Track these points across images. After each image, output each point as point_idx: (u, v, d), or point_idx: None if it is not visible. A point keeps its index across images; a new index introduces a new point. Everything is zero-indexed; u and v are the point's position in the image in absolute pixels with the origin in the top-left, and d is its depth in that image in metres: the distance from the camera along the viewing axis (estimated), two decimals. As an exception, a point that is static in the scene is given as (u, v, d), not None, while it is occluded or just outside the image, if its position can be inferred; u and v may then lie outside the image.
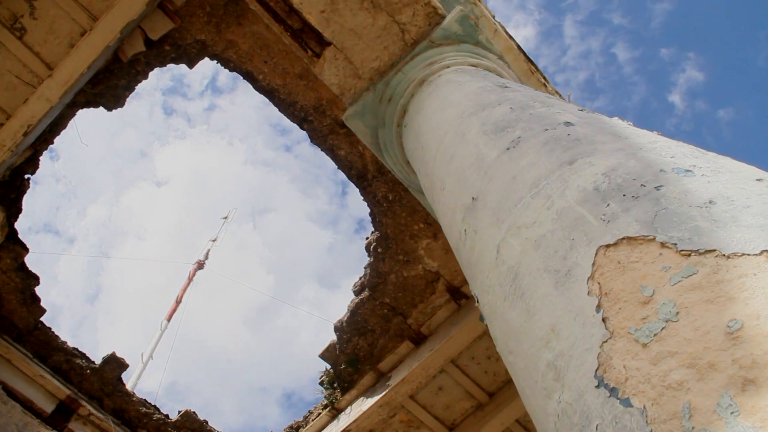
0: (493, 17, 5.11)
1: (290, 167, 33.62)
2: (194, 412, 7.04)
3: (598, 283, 1.55)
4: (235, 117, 32.58)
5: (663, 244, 1.48)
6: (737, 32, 25.10)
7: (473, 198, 2.50)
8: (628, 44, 27.83)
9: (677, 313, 1.33)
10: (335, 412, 6.73)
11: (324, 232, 33.94)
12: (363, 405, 6.46)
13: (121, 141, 31.97)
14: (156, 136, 32.21)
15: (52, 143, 5.73)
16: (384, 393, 6.35)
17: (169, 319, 14.37)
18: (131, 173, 32.61)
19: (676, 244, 1.45)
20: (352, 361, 6.58)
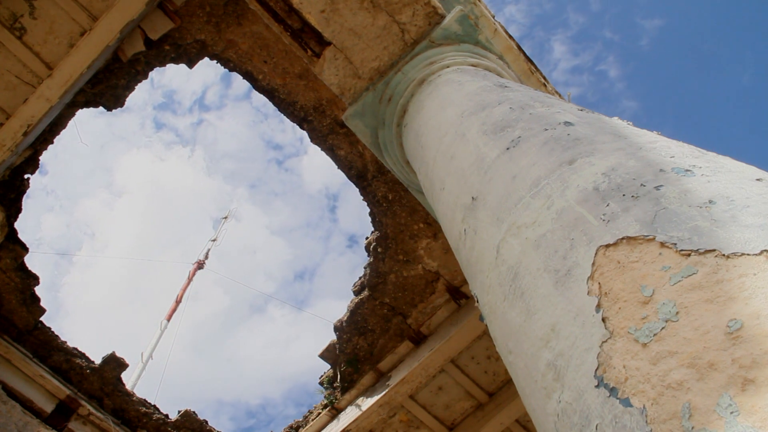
0: (493, 17, 5.11)
1: (283, 181, 33.62)
2: (194, 412, 7.04)
3: (598, 283, 1.55)
4: (224, 132, 32.73)
5: (663, 244, 1.48)
6: (724, 50, 25.16)
7: (473, 198, 2.50)
8: (619, 60, 27.90)
9: (677, 312, 1.33)
10: (335, 411, 6.73)
11: (289, 249, 33.70)
12: (363, 405, 6.46)
13: (113, 154, 32.02)
14: (148, 150, 32.26)
15: (52, 143, 5.73)
16: (384, 393, 6.35)
17: (168, 319, 14.36)
18: (117, 185, 32.53)
19: (675, 243, 1.45)
20: (352, 360, 6.58)
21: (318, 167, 33.42)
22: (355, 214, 33.05)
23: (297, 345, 30.60)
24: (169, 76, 30.77)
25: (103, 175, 32.34)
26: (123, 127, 31.44)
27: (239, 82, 31.31)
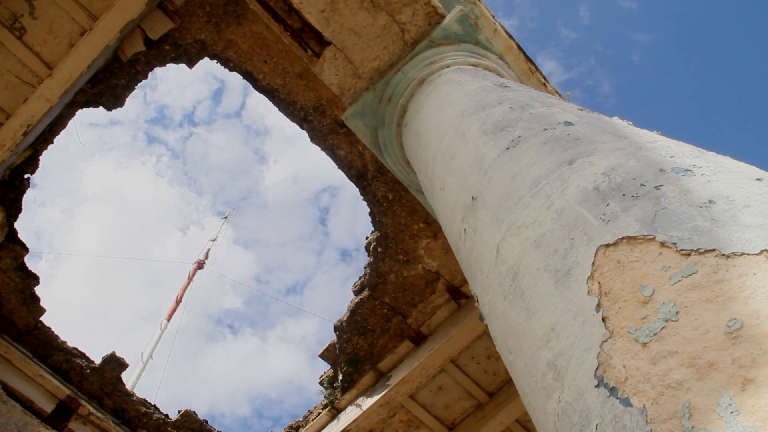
0: (493, 17, 5.11)
1: (274, 194, 33.56)
2: (194, 412, 7.04)
3: (598, 283, 1.55)
4: (216, 146, 32.79)
5: (663, 244, 1.47)
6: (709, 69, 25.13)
7: (473, 198, 2.50)
8: (611, 74, 27.85)
9: (677, 312, 1.33)
10: (335, 411, 6.73)
11: (258, 263, 33.33)
12: (363, 405, 6.46)
13: (101, 165, 31.93)
14: (137, 164, 32.14)
15: (52, 143, 5.73)
16: (384, 393, 6.35)
17: (168, 319, 14.36)
18: (83, 193, 32.24)
19: (675, 243, 1.45)
20: (352, 360, 6.58)
21: (282, 180, 33.37)
22: (347, 226, 33.02)
23: (266, 363, 30.35)
24: (162, 92, 31.06)
25: (86, 185, 32.17)
26: (114, 139, 31.46)
27: (229, 102, 31.61)
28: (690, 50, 26.02)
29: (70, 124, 5.72)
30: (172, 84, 32.37)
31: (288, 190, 33.71)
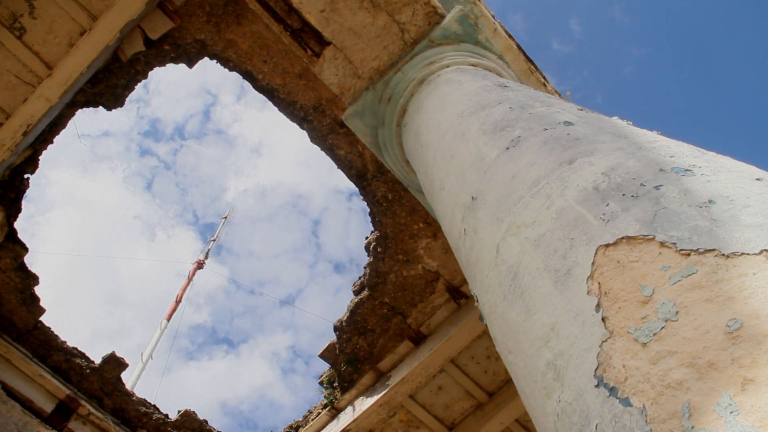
0: (493, 17, 5.12)
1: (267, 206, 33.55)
2: (194, 412, 7.04)
3: (598, 283, 1.55)
4: (209, 159, 32.89)
5: (662, 244, 1.47)
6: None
7: (473, 197, 2.50)
8: (604, 86, 27.85)
9: (677, 312, 1.33)
10: (335, 411, 6.73)
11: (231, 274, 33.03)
12: (363, 404, 6.46)
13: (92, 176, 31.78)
14: (135, 175, 32.04)
15: (52, 143, 5.73)
16: (384, 392, 6.35)
17: (168, 319, 14.35)
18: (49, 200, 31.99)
19: (675, 243, 1.45)
20: (352, 360, 6.58)
21: (243, 192, 33.30)
22: (339, 238, 32.94)
23: (238, 378, 30.20)
24: (154, 105, 31.26)
25: (50, 191, 31.80)
26: (106, 150, 31.40)
27: (218, 117, 31.90)
28: (682, 63, 26.07)
29: (70, 123, 5.72)
30: (164, 98, 32.56)
31: (256, 201, 33.67)
